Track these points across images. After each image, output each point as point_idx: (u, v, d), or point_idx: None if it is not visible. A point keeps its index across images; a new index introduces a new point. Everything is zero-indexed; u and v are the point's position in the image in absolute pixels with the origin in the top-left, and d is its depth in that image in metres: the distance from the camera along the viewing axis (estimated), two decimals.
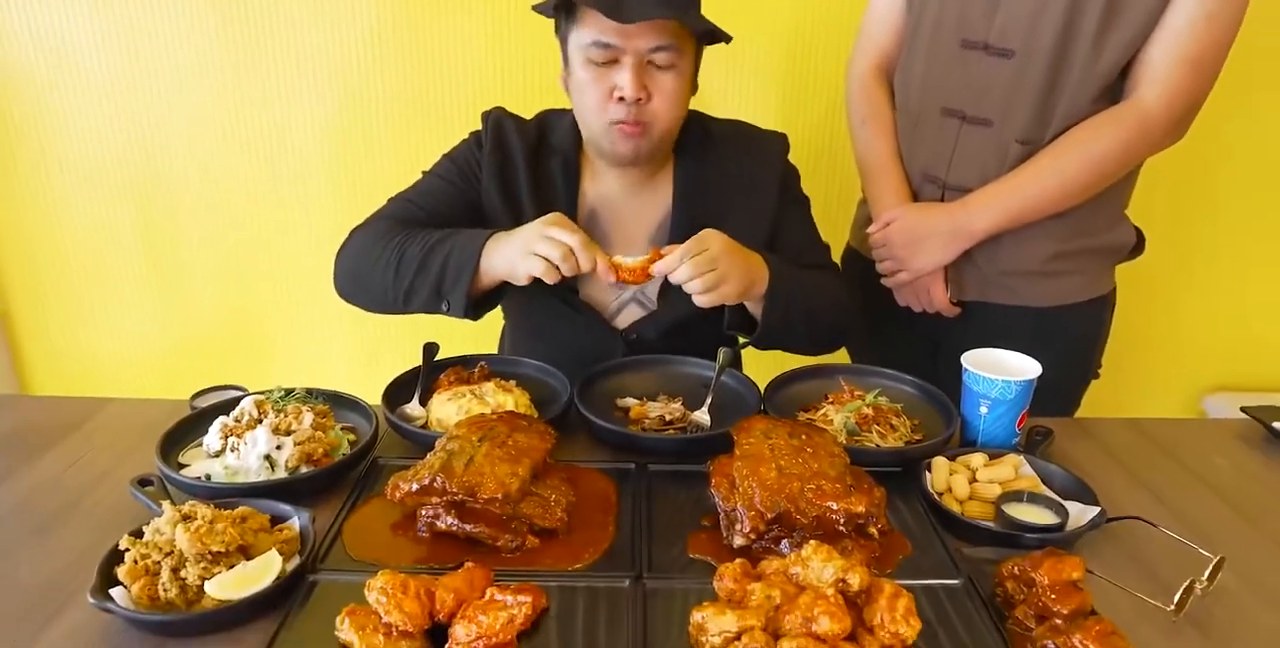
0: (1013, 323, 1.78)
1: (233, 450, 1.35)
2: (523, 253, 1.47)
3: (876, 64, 1.87)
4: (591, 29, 1.52)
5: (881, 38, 1.86)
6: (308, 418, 1.42)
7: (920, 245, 1.74)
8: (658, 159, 1.71)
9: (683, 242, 1.61)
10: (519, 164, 1.72)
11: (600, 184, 1.76)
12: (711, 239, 1.50)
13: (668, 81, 1.56)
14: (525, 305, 1.84)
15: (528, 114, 1.79)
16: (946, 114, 1.71)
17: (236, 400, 1.47)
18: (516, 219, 1.71)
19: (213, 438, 1.39)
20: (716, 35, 1.58)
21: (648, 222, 1.77)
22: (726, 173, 1.74)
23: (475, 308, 1.58)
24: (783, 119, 2.52)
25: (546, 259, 1.44)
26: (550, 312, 1.78)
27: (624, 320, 1.79)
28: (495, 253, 1.52)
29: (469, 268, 1.51)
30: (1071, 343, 1.83)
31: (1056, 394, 1.78)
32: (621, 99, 1.54)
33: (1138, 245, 1.83)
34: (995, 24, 1.62)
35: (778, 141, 1.80)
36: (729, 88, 2.51)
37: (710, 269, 1.46)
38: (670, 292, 1.71)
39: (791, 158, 1.81)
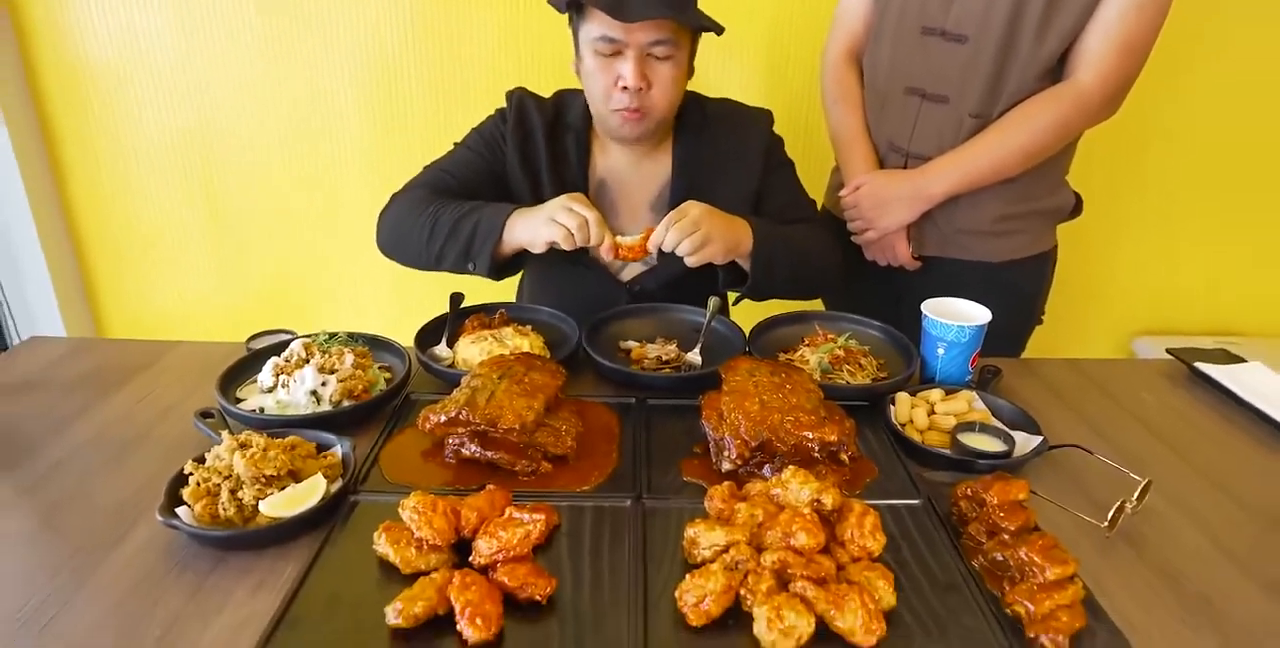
0: (967, 276, 1.76)
1: (283, 387, 1.34)
2: (545, 220, 1.46)
3: (847, 49, 1.84)
4: (598, 25, 1.49)
5: (852, 26, 1.82)
6: (349, 358, 1.40)
7: (886, 207, 1.71)
8: (658, 136, 1.68)
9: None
10: (539, 139, 1.69)
11: (608, 158, 1.73)
12: (690, 207, 1.49)
13: (666, 71, 1.54)
14: (542, 262, 1.81)
15: (542, 93, 1.75)
16: (909, 92, 1.69)
17: (286, 343, 1.45)
18: (535, 187, 1.69)
19: (266, 376, 1.37)
20: (710, 27, 1.54)
21: (649, 191, 1.74)
22: (719, 148, 1.71)
23: (498, 271, 1.58)
24: (765, 97, 2.47)
25: (566, 228, 1.43)
26: (564, 267, 1.75)
27: (628, 274, 1.77)
28: (518, 223, 1.51)
29: (494, 235, 1.51)
30: (1019, 293, 1.81)
31: (1006, 338, 1.77)
32: (625, 87, 1.52)
33: (1076, 207, 1.81)
34: (951, 13, 1.60)
35: (764, 117, 1.77)
36: (719, 70, 2.45)
37: (693, 231, 1.44)
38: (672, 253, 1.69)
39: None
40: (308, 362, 1.38)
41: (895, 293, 1.86)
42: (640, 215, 1.74)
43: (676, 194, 1.69)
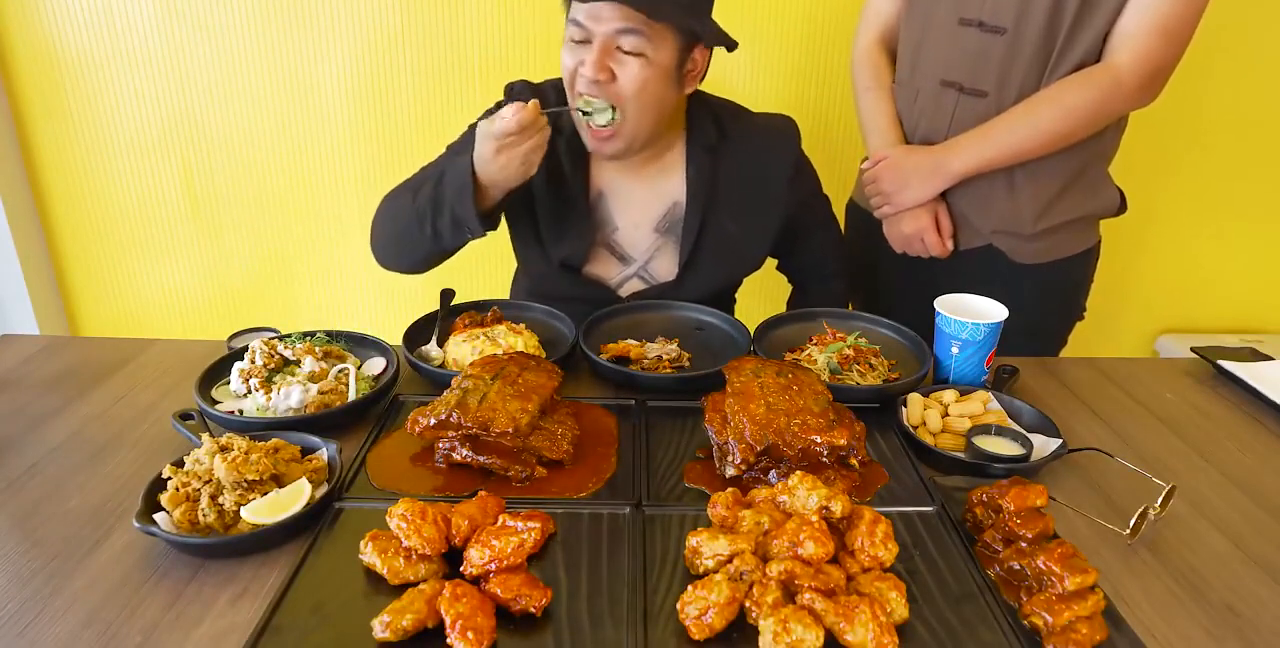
0: (1006, 272, 1.75)
1: (259, 390, 1.33)
2: (489, 137, 1.41)
3: (879, 36, 1.85)
4: (574, 6, 1.45)
5: (884, 14, 1.83)
6: (308, 361, 1.38)
7: (904, 181, 1.71)
8: (663, 143, 1.65)
9: (696, 234, 1.63)
10: None
11: (607, 167, 1.69)
12: None
13: (634, 67, 1.45)
14: (537, 282, 1.82)
15: (538, 77, 1.73)
16: (945, 85, 1.68)
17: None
18: (527, 196, 1.66)
19: (236, 384, 1.36)
20: (699, 33, 1.48)
21: (655, 209, 1.70)
22: (740, 172, 1.67)
23: (493, 222, 1.56)
24: (790, 90, 2.48)
25: (511, 122, 1.38)
26: (558, 286, 1.74)
27: (626, 291, 1.75)
28: (481, 161, 1.45)
29: (468, 184, 1.46)
30: (1062, 289, 1.81)
31: (1046, 336, 1.78)
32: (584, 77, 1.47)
33: (1121, 206, 1.80)
34: (988, 2, 1.59)
35: (789, 133, 1.71)
36: (734, 60, 2.44)
37: None
38: (686, 281, 1.70)
39: (796, 119, 1.74)
40: (270, 369, 1.36)
41: (936, 287, 1.85)
42: (642, 233, 1.71)
43: (691, 221, 1.67)
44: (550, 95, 1.67)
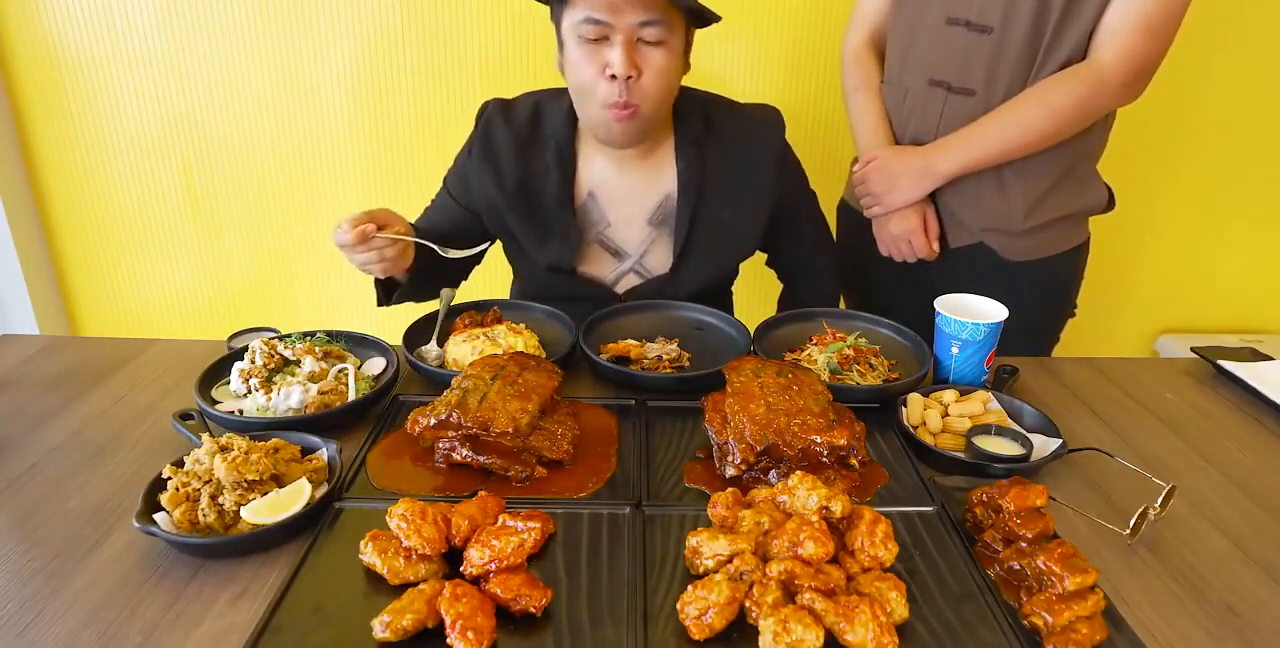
0: (998, 270, 1.75)
1: (259, 390, 1.33)
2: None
3: (868, 37, 1.85)
4: (583, 6, 1.44)
5: (873, 14, 1.83)
6: (308, 361, 1.38)
7: (894, 182, 1.71)
8: (652, 140, 1.65)
9: (688, 226, 1.63)
10: (508, 161, 1.65)
11: (596, 167, 1.69)
12: None
13: (658, 58, 1.48)
14: (530, 283, 1.83)
15: (535, 85, 1.73)
16: (933, 85, 1.68)
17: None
18: (525, 211, 1.67)
19: (236, 384, 1.36)
20: (705, 15, 1.50)
21: (647, 203, 1.71)
22: (728, 162, 1.68)
23: (399, 295, 1.64)
24: (789, 88, 2.48)
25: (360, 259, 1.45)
26: (554, 286, 1.74)
27: (623, 287, 1.75)
28: None
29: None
30: (1052, 286, 1.81)
31: (1039, 333, 1.78)
32: (613, 77, 1.46)
33: (1109, 203, 1.81)
34: (976, 2, 1.59)
35: (773, 123, 1.72)
36: (733, 60, 2.45)
37: None
38: (681, 271, 1.71)
39: (790, 121, 1.75)
40: (270, 369, 1.37)
41: (927, 286, 1.85)
42: (636, 228, 1.71)
43: (684, 211, 1.67)
44: (525, 112, 1.68)
